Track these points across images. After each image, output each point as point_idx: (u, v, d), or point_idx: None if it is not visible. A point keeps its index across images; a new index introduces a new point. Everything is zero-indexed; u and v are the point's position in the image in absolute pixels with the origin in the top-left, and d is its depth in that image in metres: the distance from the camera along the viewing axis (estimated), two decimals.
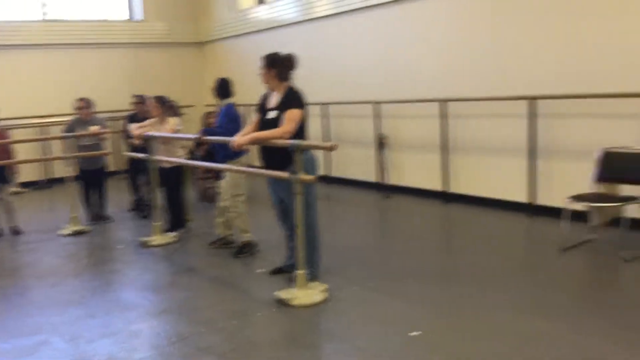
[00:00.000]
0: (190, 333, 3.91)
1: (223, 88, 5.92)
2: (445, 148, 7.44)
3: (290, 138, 4.41)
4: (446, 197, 7.51)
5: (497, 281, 4.62)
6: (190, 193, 7.63)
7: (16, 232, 7.01)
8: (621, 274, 4.71)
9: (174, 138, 6.47)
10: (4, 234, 6.96)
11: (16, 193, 7.27)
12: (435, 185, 7.67)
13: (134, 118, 7.90)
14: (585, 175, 5.51)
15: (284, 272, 4.94)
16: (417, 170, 8.02)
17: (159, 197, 6.48)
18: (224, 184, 5.86)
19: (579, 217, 5.39)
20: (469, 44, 7.08)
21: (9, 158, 7.04)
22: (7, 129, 7.38)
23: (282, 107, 4.56)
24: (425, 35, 7.60)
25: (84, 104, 7.44)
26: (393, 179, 8.30)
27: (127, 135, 7.70)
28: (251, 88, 7.61)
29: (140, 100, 7.98)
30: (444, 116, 7.36)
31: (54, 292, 4.94)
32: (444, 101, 7.31)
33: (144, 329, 4.05)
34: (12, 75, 10.63)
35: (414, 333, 3.69)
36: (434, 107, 7.43)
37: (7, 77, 10.54)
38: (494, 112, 6.86)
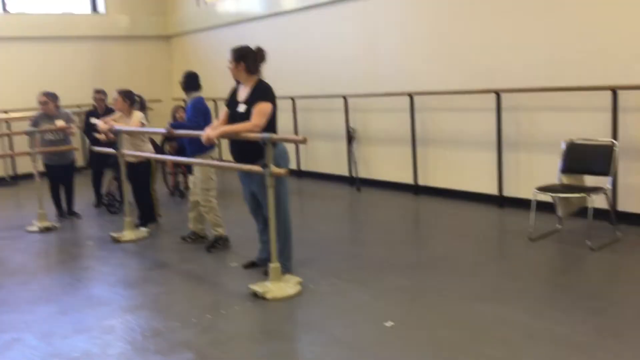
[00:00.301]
0: (165, 328, 3.91)
1: (190, 81, 5.90)
2: (414, 141, 7.54)
3: (261, 132, 4.42)
4: (417, 190, 7.62)
5: (466, 271, 4.72)
6: (161, 188, 7.57)
7: None
8: (587, 262, 4.87)
9: (142, 132, 6.41)
10: None
11: None
12: (405, 178, 7.77)
13: (93, 113, 7.80)
14: (551, 167, 5.66)
15: (258, 266, 4.96)
16: (387, 164, 8.11)
17: (128, 192, 6.41)
18: (194, 178, 5.84)
19: (546, 207, 5.53)
20: (436, 38, 7.18)
21: None
22: None
23: (252, 100, 4.56)
24: (393, 29, 7.68)
25: (48, 99, 7.28)
26: (363, 173, 8.37)
27: (88, 130, 7.59)
28: (219, 82, 7.61)
29: (101, 94, 7.87)
30: (412, 109, 7.46)
31: (24, 289, 4.86)
32: (412, 95, 7.40)
33: (118, 324, 4.03)
34: None
35: (389, 323, 3.76)
36: (403, 101, 7.52)
37: None
38: (462, 105, 6.98)
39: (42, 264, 5.67)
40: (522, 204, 6.19)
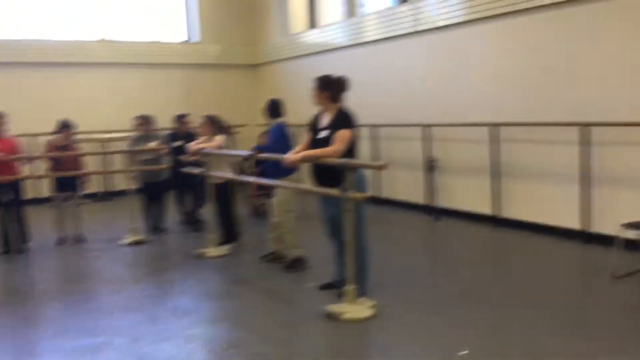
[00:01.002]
0: (243, 341, 4.09)
1: (274, 108, 6.17)
2: (496, 172, 7.47)
3: (341, 157, 4.58)
4: (496, 222, 7.52)
5: (546, 305, 4.63)
6: (242, 209, 7.89)
7: (80, 239, 7.39)
8: None
9: (229, 155, 6.74)
10: (68, 241, 7.35)
11: (79, 204, 7.64)
12: (485, 209, 7.69)
13: (176, 136, 8.20)
14: (637, 203, 5.46)
15: (334, 288, 5.07)
16: (467, 194, 8.06)
17: (212, 212, 6.74)
18: (275, 201, 6.07)
19: (632, 245, 5.34)
20: (520, 69, 7.14)
21: (79, 169, 7.48)
22: (76, 142, 7.79)
23: (333, 127, 4.74)
24: (476, 59, 7.70)
25: (142, 121, 7.82)
26: (442, 202, 8.35)
27: (172, 152, 7.98)
28: (301, 109, 7.86)
29: (183, 119, 8.27)
30: (494, 140, 7.41)
31: (116, 297, 5.22)
32: (494, 125, 7.37)
33: (200, 334, 4.26)
34: (74, 91, 11.17)
35: (462, 352, 3.76)
36: (485, 131, 7.49)
37: (69, 93, 11.07)
38: (546, 137, 6.86)
39: (132, 275, 6.05)
40: (604, 240, 5.99)
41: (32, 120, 9.81)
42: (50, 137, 7.51)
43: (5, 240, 6.92)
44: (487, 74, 7.58)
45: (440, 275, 5.66)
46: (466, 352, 3.76)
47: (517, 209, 7.33)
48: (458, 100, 8.01)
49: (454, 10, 7.87)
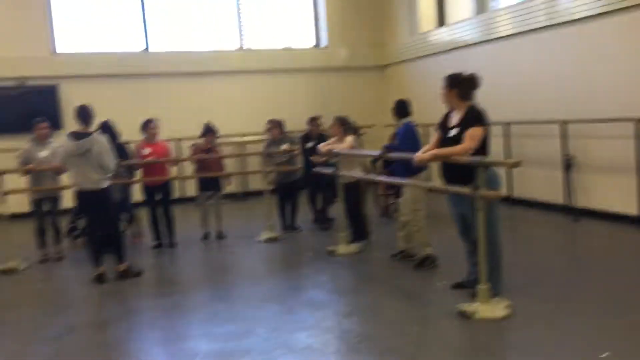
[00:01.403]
0: (376, 335, 4.21)
1: (401, 108, 6.24)
2: None
3: (472, 155, 4.54)
4: None
5: None
6: (371, 208, 8.03)
7: (221, 236, 7.93)
8: None
9: (358, 155, 6.90)
10: (211, 237, 7.92)
11: (220, 203, 8.17)
12: (630, 209, 7.20)
13: (308, 137, 8.47)
14: None
15: (465, 287, 5.04)
16: (609, 193, 7.59)
17: (342, 210, 6.93)
18: (404, 199, 6.13)
19: None
20: None
21: (221, 170, 8.04)
22: (217, 145, 8.36)
23: (464, 125, 4.70)
24: (614, 52, 7.23)
25: (273, 125, 8.22)
26: (582, 202, 7.92)
27: (304, 153, 8.26)
28: (430, 108, 7.84)
29: (315, 121, 8.53)
30: (639, 136, 6.92)
31: (255, 289, 5.57)
32: (637, 120, 6.88)
33: (334, 326, 4.45)
34: (214, 98, 11.94)
35: (604, 354, 3.60)
36: (627, 127, 7.02)
37: (209, 100, 11.85)
38: None
39: (269, 269, 6.42)
40: None
41: (177, 125, 10.65)
42: (195, 141, 8.11)
43: (157, 235, 7.61)
44: (625, 67, 7.09)
45: (579, 277, 5.40)
46: (607, 354, 3.60)
47: None
48: (596, 94, 7.57)
49: (591, 2, 7.45)
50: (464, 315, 4.43)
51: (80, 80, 10.88)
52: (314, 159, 7.51)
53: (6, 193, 6.87)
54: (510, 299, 4.60)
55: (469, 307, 4.49)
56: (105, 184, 6.10)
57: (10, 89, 10.53)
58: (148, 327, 4.77)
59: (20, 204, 8.00)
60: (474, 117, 4.71)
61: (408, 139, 6.03)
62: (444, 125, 4.94)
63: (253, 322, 4.63)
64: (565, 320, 4.26)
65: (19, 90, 10.56)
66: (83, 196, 6.08)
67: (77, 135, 5.99)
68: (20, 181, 7.38)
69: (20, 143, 7.98)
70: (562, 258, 6.34)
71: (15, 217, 7.33)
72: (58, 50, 11.13)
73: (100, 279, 6.01)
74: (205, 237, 7.91)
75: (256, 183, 11.31)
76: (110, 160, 6.06)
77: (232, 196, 11.50)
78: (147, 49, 11.70)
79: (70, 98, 10.64)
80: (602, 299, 4.69)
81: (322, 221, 8.31)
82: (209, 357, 4.01)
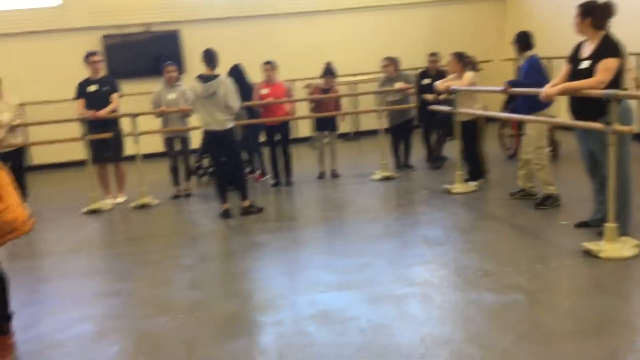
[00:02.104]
0: (496, 271, 4.20)
1: (524, 41, 5.91)
2: None
3: (604, 89, 4.28)
4: None
5: None
6: (496, 149, 7.80)
7: (335, 175, 8.11)
8: None
9: (479, 91, 6.69)
10: (326, 176, 8.12)
11: (335, 142, 8.29)
12: None
13: (426, 74, 8.29)
14: None
15: (590, 227, 4.86)
16: None
17: (459, 149, 6.81)
18: (527, 136, 5.91)
19: None
20: None
21: (338, 109, 8.13)
22: (336, 85, 8.41)
23: (597, 56, 4.43)
24: None
25: (388, 62, 8.10)
26: None
27: (421, 91, 8.11)
28: (555, 40, 7.40)
29: (434, 57, 8.32)
30: None
31: (371, 226, 5.70)
32: None
33: (452, 262, 4.48)
34: (325, 38, 11.87)
35: None
36: None
37: (319, 40, 11.82)
38: None
39: (384, 206, 6.52)
40: None
41: (292, 66, 10.78)
42: (311, 82, 8.22)
43: (276, 174, 7.92)
44: None
45: None
46: None
47: None
48: None
49: None
50: (589, 254, 4.30)
51: (200, 24, 11.30)
52: (427, 96, 7.36)
53: (140, 134, 7.40)
54: (639, 238, 4.39)
55: (594, 245, 4.34)
56: (231, 124, 6.36)
57: (137, 35, 11.16)
58: (271, 258, 5.07)
59: (151, 144, 8.60)
60: (609, 48, 4.40)
61: (534, 72, 5.74)
62: (574, 57, 4.66)
63: (370, 256, 4.77)
64: None
65: (145, 36, 11.19)
66: (210, 136, 6.43)
67: (204, 78, 6.24)
68: (151, 123, 7.93)
69: (149, 87, 8.53)
70: None
71: (148, 156, 7.90)
72: None
73: (226, 214, 6.40)
74: (321, 176, 8.12)
75: (368, 122, 11.34)
76: (236, 101, 6.31)
77: (344, 135, 11.63)
78: None
79: (192, 42, 11.14)
80: None
81: (435, 160, 8.22)
82: (330, 287, 4.22)
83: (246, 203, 6.51)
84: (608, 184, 4.34)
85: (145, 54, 11.04)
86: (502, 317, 3.49)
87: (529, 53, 5.89)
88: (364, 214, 6.14)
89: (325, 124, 8.04)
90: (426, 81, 7.96)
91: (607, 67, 4.33)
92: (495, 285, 3.94)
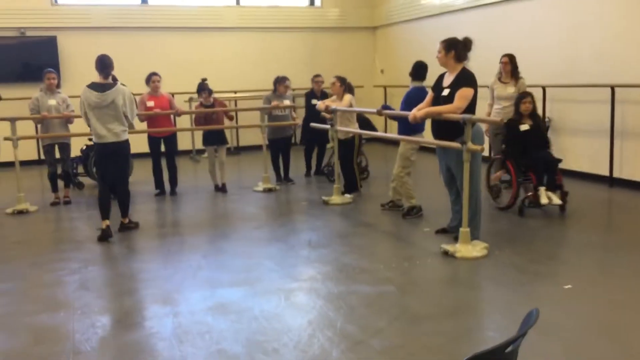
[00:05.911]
0: (371, 268, 4.78)
1: (415, 71, 6.44)
2: (613, 133, 7.55)
3: (461, 114, 5.05)
4: (612, 182, 7.64)
5: None
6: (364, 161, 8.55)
7: (224, 189, 8.32)
8: None
9: (356, 112, 7.37)
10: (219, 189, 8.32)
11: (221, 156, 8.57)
12: (601, 170, 7.80)
13: (313, 94, 8.95)
14: None
15: (448, 233, 5.63)
16: (582, 155, 8.17)
17: (337, 164, 7.43)
18: (398, 154, 6.61)
19: None
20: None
21: (223, 124, 8.39)
22: (219, 100, 8.71)
23: (455, 85, 5.19)
24: (596, 19, 7.71)
25: (279, 81, 8.57)
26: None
27: (309, 110, 8.70)
28: None
29: (319, 78, 9.00)
30: (613, 102, 7.47)
31: (258, 231, 6.11)
32: (614, 87, 7.42)
33: (334, 261, 5.00)
34: (207, 54, 12.18)
35: (567, 286, 4.22)
36: (605, 92, 7.56)
37: (202, 56, 12.10)
38: None
39: (268, 215, 6.94)
40: None
41: (172, 80, 10.89)
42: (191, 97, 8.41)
43: (158, 184, 8.05)
44: (606, 33, 7.59)
45: (551, 228, 6.02)
46: (570, 286, 4.21)
47: (635, 170, 7.41)
48: (577, 60, 8.06)
49: None
50: (447, 254, 5.02)
51: (78, 31, 11.10)
52: (325, 115, 7.76)
53: (19, 139, 7.22)
54: (488, 242, 5.20)
55: (451, 247, 5.08)
56: (126, 135, 5.98)
57: (10, 38, 10.73)
58: (163, 260, 5.27)
59: (27, 151, 8.36)
60: (465, 79, 5.19)
61: (406, 102, 6.21)
62: (438, 86, 5.41)
63: (260, 257, 5.17)
64: (532, 263, 4.88)
65: (18, 41, 10.78)
66: (103, 149, 5.92)
67: (99, 87, 5.81)
68: (28, 129, 7.75)
69: (23, 92, 8.31)
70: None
71: (22, 163, 7.69)
72: (59, 2, 11.30)
73: (105, 233, 5.87)
74: (216, 188, 8.23)
75: (247, 138, 11.77)
76: (134, 112, 6.06)
77: (229, 150, 11.92)
78: (145, 1, 11.90)
79: (69, 49, 10.91)
80: (580, 247, 5.29)
81: (329, 174, 8.63)
82: (224, 283, 4.55)
83: (125, 220, 6.23)
84: (462, 195, 5.10)
85: (20, 59, 10.66)
86: (377, 304, 4.05)
87: (417, 83, 6.44)
88: (250, 221, 6.52)
89: (214, 138, 8.27)
90: (314, 101, 8.52)
91: (463, 95, 5.12)
92: (371, 279, 4.51)
